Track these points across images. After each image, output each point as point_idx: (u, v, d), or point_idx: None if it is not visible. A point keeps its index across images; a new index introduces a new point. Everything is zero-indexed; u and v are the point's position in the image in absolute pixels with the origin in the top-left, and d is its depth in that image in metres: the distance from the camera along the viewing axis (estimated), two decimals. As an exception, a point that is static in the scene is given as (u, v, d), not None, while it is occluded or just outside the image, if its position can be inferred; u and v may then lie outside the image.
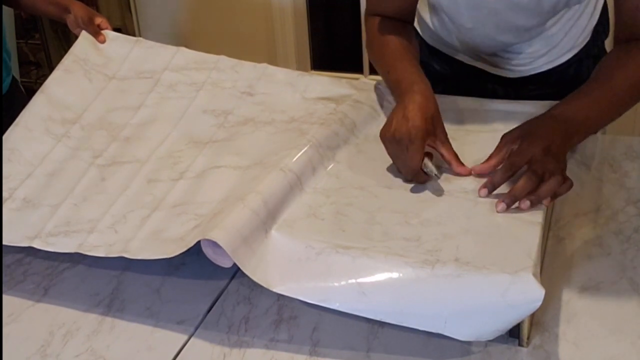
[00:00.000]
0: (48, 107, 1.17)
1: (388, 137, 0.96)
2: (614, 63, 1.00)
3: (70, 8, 1.31)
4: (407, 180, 0.97)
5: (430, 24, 1.26)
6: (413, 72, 1.04)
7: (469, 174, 0.96)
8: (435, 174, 0.93)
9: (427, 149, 0.96)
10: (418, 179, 0.96)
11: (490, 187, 0.91)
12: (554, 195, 0.89)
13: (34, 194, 1.04)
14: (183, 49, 1.28)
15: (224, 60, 1.25)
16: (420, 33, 1.32)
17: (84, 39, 1.29)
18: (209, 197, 0.97)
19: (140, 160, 1.08)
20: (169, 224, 0.95)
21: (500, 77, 1.24)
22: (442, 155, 0.98)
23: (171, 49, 1.28)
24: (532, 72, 1.22)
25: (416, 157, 0.94)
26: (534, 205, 0.87)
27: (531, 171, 0.88)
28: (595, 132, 0.98)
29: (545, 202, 0.88)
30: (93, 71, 1.24)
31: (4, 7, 1.41)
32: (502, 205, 0.88)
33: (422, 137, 0.94)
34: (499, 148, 0.96)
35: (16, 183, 1.06)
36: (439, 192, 0.94)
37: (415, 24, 1.32)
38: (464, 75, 1.29)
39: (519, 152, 0.92)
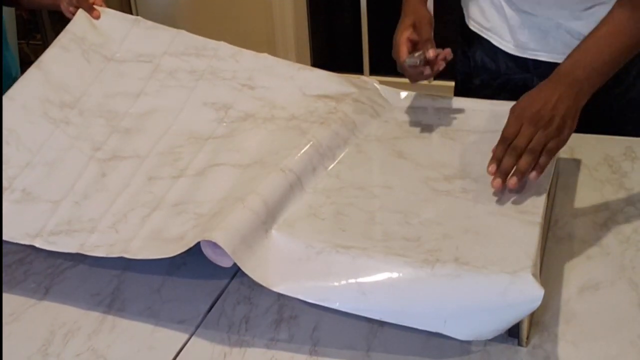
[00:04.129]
0: (46, 87, 1.16)
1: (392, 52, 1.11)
2: (616, 14, 1.00)
3: None
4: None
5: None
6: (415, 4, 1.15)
7: (434, 56, 1.06)
8: (413, 62, 1.06)
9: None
10: (406, 72, 1.08)
11: (500, 171, 0.91)
12: (540, 169, 0.91)
13: (34, 186, 1.04)
14: (183, 32, 1.26)
15: (224, 48, 1.23)
16: (468, 23, 1.32)
17: (80, 17, 1.27)
18: (209, 197, 0.97)
19: (140, 155, 1.08)
20: (169, 223, 0.95)
21: (544, 69, 1.21)
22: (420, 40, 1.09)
23: (171, 31, 1.26)
24: None
25: (400, 51, 1.08)
26: (520, 180, 0.90)
27: (512, 147, 0.91)
28: (609, 76, 0.98)
29: (532, 176, 0.90)
30: (91, 51, 1.23)
31: (4, 7, 1.41)
32: (498, 182, 0.90)
33: (400, 34, 1.09)
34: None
35: (15, 171, 1.05)
36: (439, 192, 0.94)
37: (465, 12, 1.33)
38: (507, 66, 1.28)
39: (509, 125, 0.93)
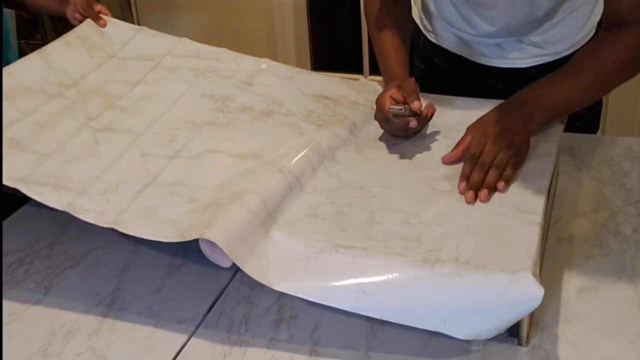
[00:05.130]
0: (46, 70, 1.18)
1: (374, 116, 1.09)
2: (588, 52, 1.03)
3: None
4: (393, 134, 1.07)
5: (434, 11, 1.28)
6: (394, 69, 1.15)
7: (419, 108, 1.02)
8: (398, 108, 1.01)
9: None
10: (388, 124, 1.05)
11: (470, 186, 0.94)
12: (506, 180, 0.94)
13: (22, 137, 1.03)
14: (185, 39, 1.30)
15: (225, 52, 1.26)
16: (423, 30, 1.34)
17: (87, 25, 1.30)
18: (204, 182, 0.97)
19: (135, 132, 1.08)
20: (163, 202, 0.94)
21: (502, 74, 1.26)
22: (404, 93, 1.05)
23: (174, 38, 1.30)
24: (531, 64, 1.23)
25: (381, 103, 1.05)
26: (490, 193, 0.92)
27: (479, 164, 0.95)
28: (562, 117, 1.04)
29: (500, 186, 0.93)
30: (94, 48, 1.26)
31: (5, 8, 1.42)
32: (470, 194, 0.92)
33: (384, 94, 1.06)
34: (464, 136, 1.01)
35: (5, 123, 1.05)
36: (438, 192, 0.94)
37: (417, 20, 1.35)
38: (465, 72, 1.30)
39: (474, 145, 0.98)
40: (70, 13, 1.33)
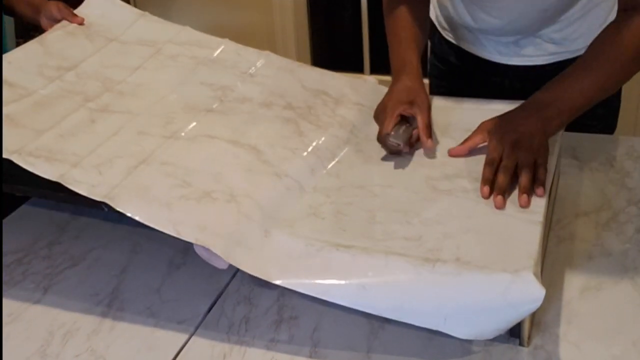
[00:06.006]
0: (45, 57, 1.18)
1: (374, 113, 1.07)
2: (603, 41, 1.00)
3: (42, 8, 1.30)
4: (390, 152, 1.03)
5: (450, 8, 1.28)
6: (407, 55, 1.12)
7: (430, 147, 1.01)
8: (396, 143, 0.99)
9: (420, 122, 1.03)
10: (384, 145, 1.02)
11: (497, 190, 0.91)
12: (542, 183, 0.90)
13: (18, 116, 1.04)
14: (188, 28, 1.29)
15: (227, 43, 1.26)
16: (439, 28, 1.34)
17: (85, 10, 1.30)
18: (199, 166, 0.96)
19: (132, 112, 1.08)
20: (156, 181, 0.93)
21: (519, 72, 1.25)
22: (417, 122, 1.03)
23: (177, 26, 1.29)
24: (548, 62, 1.22)
25: (386, 121, 1.01)
26: (530, 197, 0.89)
27: (503, 167, 0.92)
28: (582, 112, 1.00)
29: (539, 192, 0.89)
30: (94, 34, 1.26)
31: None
32: (499, 199, 0.89)
33: (393, 106, 1.03)
34: (474, 134, 1.00)
35: (2, 104, 1.05)
36: (439, 191, 0.94)
37: (433, 17, 1.35)
38: (481, 70, 1.30)
39: (492, 149, 0.95)
40: (45, 22, 1.30)
